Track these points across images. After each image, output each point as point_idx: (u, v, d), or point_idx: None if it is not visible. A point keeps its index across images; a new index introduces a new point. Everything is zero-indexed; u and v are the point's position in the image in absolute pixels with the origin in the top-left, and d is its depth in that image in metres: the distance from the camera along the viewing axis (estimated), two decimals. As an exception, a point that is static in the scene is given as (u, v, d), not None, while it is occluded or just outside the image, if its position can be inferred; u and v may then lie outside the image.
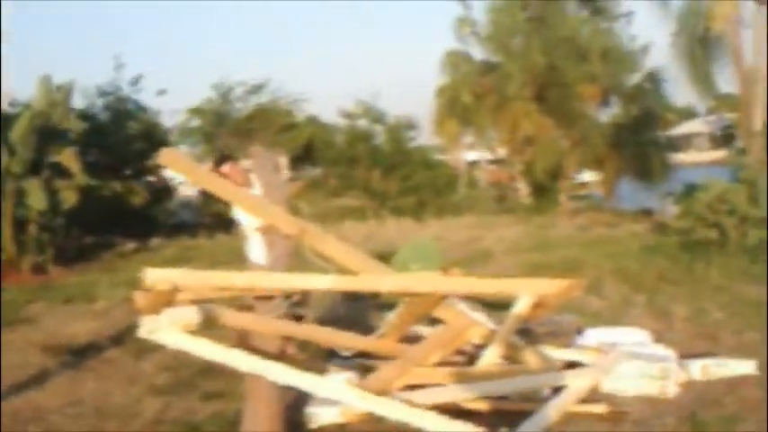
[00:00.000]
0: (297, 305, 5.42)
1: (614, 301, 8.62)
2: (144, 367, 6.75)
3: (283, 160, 6.81)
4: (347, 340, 5.72)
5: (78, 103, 18.35)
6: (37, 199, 13.36)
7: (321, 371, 5.51)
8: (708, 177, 13.08)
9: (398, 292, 5.41)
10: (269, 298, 5.07)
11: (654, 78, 23.68)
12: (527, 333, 6.06)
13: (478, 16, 24.55)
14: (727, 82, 19.47)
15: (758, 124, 16.80)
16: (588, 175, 27.06)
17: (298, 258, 5.30)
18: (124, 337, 7.72)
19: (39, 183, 13.66)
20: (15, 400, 5.92)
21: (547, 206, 22.52)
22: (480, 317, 6.05)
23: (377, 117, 24.74)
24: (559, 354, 5.92)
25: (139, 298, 4.42)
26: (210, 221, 19.50)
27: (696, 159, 37.49)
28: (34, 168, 14.17)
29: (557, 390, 5.11)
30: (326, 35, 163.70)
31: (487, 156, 31.58)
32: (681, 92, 39.90)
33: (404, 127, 24.99)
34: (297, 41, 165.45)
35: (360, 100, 24.54)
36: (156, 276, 4.29)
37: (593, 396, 5.15)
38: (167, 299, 4.31)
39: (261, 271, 5.63)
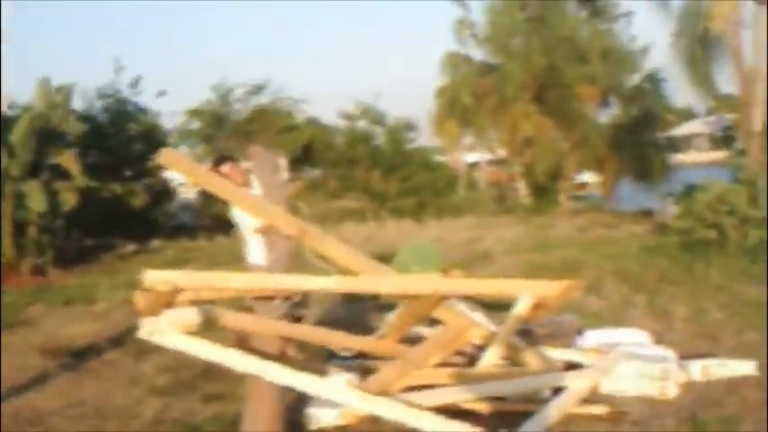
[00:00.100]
0: (296, 306, 5.41)
1: (614, 301, 8.62)
2: (144, 369, 6.75)
3: (283, 161, 6.77)
4: (347, 341, 5.72)
5: (78, 105, 18.37)
6: (37, 201, 13.35)
7: (321, 372, 5.51)
8: (707, 178, 13.09)
9: (398, 294, 5.40)
10: (269, 299, 5.07)
11: (653, 79, 23.70)
12: (527, 334, 6.06)
13: (477, 18, 24.60)
14: (727, 82, 19.51)
15: (758, 125, 16.80)
16: (588, 176, 27.08)
17: (298, 259, 5.30)
18: (124, 338, 7.71)
19: (38, 185, 13.66)
20: (15, 402, 5.92)
21: (546, 207, 22.53)
22: (480, 318, 6.05)
23: (376, 118, 24.75)
24: (559, 355, 5.92)
25: (139, 299, 4.41)
26: (210, 223, 19.51)
27: (696, 160, 37.48)
28: (34, 170, 14.17)
29: (557, 391, 5.11)
30: (326, 36, 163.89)
31: (487, 157, 31.58)
32: (680, 92, 39.94)
33: (403, 128, 25.01)
34: (296, 42, 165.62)
35: (359, 101, 24.59)
36: (156, 277, 4.28)
37: (593, 397, 5.15)
38: (167, 300, 4.30)
39: (260, 272, 5.62)
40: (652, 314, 7.87)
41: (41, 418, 5.57)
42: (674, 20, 19.60)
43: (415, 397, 4.77)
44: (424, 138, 26.94)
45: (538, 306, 5.37)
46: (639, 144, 23.01)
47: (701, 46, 19.07)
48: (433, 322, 6.01)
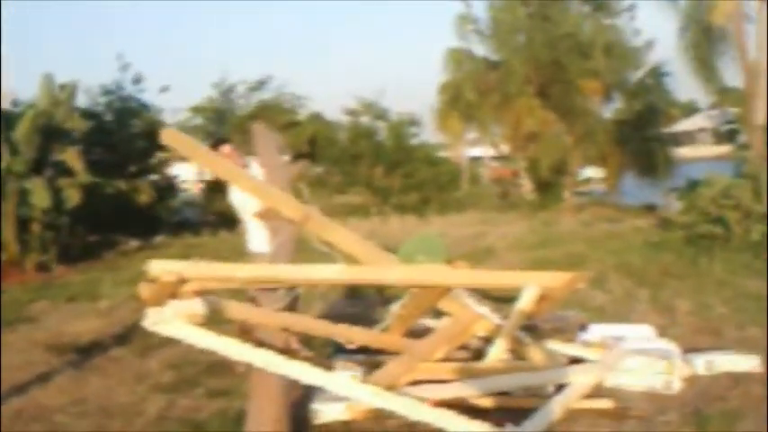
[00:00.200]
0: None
1: (618, 295, 8.61)
2: (148, 365, 6.75)
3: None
4: (352, 333, 5.68)
5: (81, 102, 18.37)
6: (40, 198, 13.36)
7: (326, 366, 5.50)
8: (711, 172, 13.06)
9: (404, 284, 5.38)
10: (272, 289, 5.02)
11: (657, 74, 23.67)
12: (532, 329, 6.05)
13: (480, 14, 24.59)
14: (731, 76, 19.51)
15: (761, 118, 16.78)
16: (592, 171, 27.06)
17: (302, 245, 5.25)
18: (128, 335, 7.73)
19: (42, 182, 13.67)
20: (18, 399, 5.92)
21: (550, 202, 22.53)
22: (486, 310, 6.02)
23: (379, 114, 24.73)
24: (563, 349, 5.91)
25: (144, 289, 4.40)
26: (214, 219, 19.51)
27: (700, 154, 37.41)
28: (37, 167, 14.19)
29: (561, 386, 5.10)
30: (328, 33, 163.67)
31: (490, 152, 31.55)
32: (684, 87, 39.95)
33: (406, 124, 25.00)
34: (298, 39, 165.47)
35: (362, 97, 24.58)
36: (161, 268, 4.28)
37: (597, 392, 5.14)
38: (172, 290, 4.30)
39: (261, 260, 5.57)
40: (656, 309, 7.86)
41: (45, 415, 5.57)
42: (679, 15, 19.62)
43: (420, 391, 4.78)
44: (428, 134, 26.98)
45: (543, 299, 5.34)
46: (643, 139, 22.98)
47: (706, 40, 19.07)
48: (438, 314, 6.01)
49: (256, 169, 5.72)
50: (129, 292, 9.48)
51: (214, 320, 4.48)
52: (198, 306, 4.31)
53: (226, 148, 6.36)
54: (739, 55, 18.10)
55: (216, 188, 19.14)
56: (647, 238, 12.88)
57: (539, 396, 5.07)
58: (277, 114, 23.83)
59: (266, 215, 5.28)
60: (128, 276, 10.65)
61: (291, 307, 5.32)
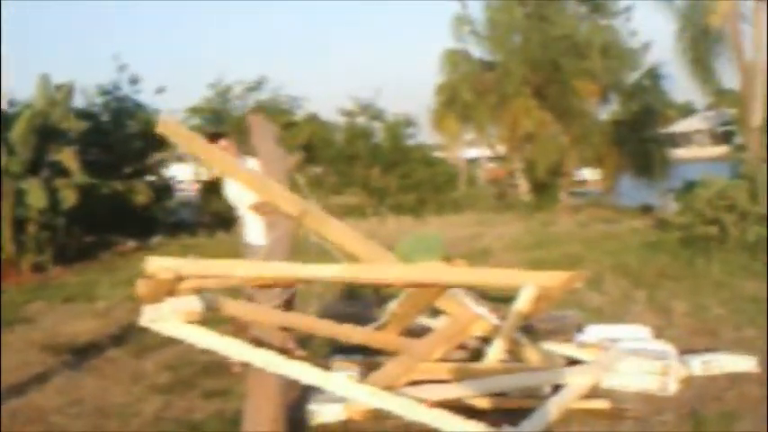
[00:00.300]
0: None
1: (615, 296, 8.62)
2: (145, 366, 6.74)
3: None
4: (349, 332, 5.65)
5: (78, 102, 18.33)
6: (37, 198, 13.34)
7: (324, 367, 5.49)
8: (708, 174, 13.08)
9: (402, 283, 5.36)
10: (269, 286, 4.99)
11: (653, 75, 23.72)
12: (529, 329, 6.05)
13: (477, 14, 24.61)
14: (729, 78, 19.55)
15: (757, 120, 16.81)
16: (588, 172, 27.09)
17: (299, 240, 5.22)
18: (125, 336, 7.72)
19: (38, 182, 13.64)
20: (15, 400, 5.91)
21: (547, 203, 22.55)
22: (484, 310, 6.01)
23: (375, 114, 24.73)
24: (560, 350, 5.92)
25: (141, 285, 4.38)
26: (210, 220, 19.49)
27: (696, 155, 37.48)
28: (34, 168, 14.16)
29: (557, 386, 5.10)
30: (327, 33, 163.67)
31: (487, 153, 31.57)
32: (680, 88, 40.03)
33: (403, 124, 25.00)
34: (298, 39, 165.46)
35: (358, 98, 24.58)
36: (158, 265, 4.26)
37: (593, 392, 5.14)
38: (169, 288, 4.29)
39: (257, 252, 5.54)
40: (652, 310, 7.87)
41: (41, 416, 5.56)
42: (676, 15, 19.65)
43: (416, 392, 4.77)
44: (424, 134, 26.98)
45: (540, 298, 5.34)
46: (640, 140, 23.04)
47: (702, 41, 19.10)
48: (436, 312, 6.00)
49: (253, 167, 5.70)
50: (126, 293, 9.50)
51: (211, 319, 4.47)
52: (195, 303, 4.29)
53: (222, 143, 6.36)
54: (736, 56, 18.13)
55: (212, 189, 19.11)
56: (644, 240, 12.90)
57: (535, 397, 5.07)
58: (274, 115, 23.78)
59: (262, 208, 5.26)
60: (124, 277, 10.64)
61: (288, 304, 5.31)
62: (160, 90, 20.32)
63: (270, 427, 4.47)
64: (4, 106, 15.57)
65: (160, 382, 6.29)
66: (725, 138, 34.63)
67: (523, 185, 24.97)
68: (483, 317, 5.78)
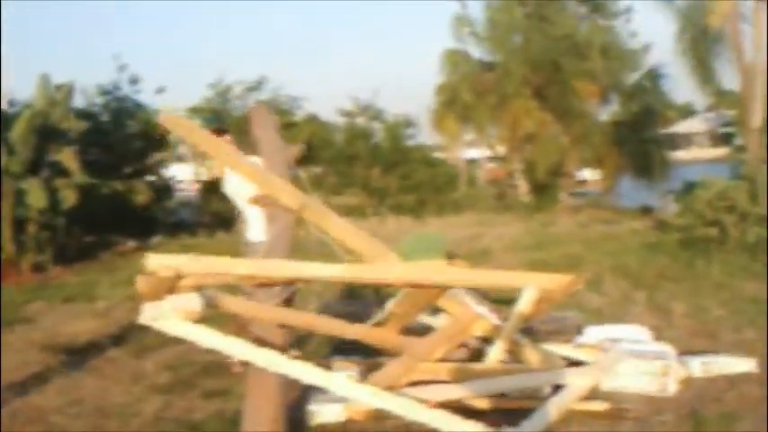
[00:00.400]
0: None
1: (614, 298, 8.62)
2: (144, 366, 6.74)
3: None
4: (349, 329, 5.62)
5: (78, 102, 18.32)
6: (37, 198, 13.33)
7: (324, 367, 5.48)
8: (708, 175, 13.09)
9: (404, 283, 5.34)
10: (269, 285, 4.97)
11: (653, 76, 23.72)
12: (529, 330, 6.05)
13: (477, 14, 24.61)
14: (729, 79, 19.55)
15: (757, 121, 16.81)
16: (588, 173, 27.09)
17: (300, 238, 5.18)
18: (125, 336, 7.72)
19: (38, 182, 13.64)
20: (15, 400, 5.91)
21: (547, 204, 22.55)
22: (485, 310, 6.00)
23: (375, 115, 24.72)
24: (560, 351, 5.91)
25: (142, 282, 4.35)
26: (210, 220, 19.49)
27: (696, 157, 37.51)
28: (34, 168, 14.15)
29: (557, 387, 5.10)
30: (328, 33, 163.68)
31: (487, 154, 31.57)
32: (680, 89, 40.05)
33: (403, 125, 25.00)
34: (298, 39, 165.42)
35: (357, 98, 24.58)
36: (159, 262, 4.25)
37: (593, 394, 5.14)
38: (169, 285, 4.27)
39: (258, 252, 5.52)
40: (652, 311, 7.87)
41: (42, 416, 5.56)
42: (676, 16, 19.65)
43: (416, 392, 4.77)
44: (424, 135, 26.98)
45: (541, 300, 5.34)
46: (640, 141, 23.05)
47: (703, 42, 19.10)
48: (436, 311, 5.99)
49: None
50: (126, 293, 9.50)
51: (211, 318, 4.47)
52: (195, 301, 4.28)
53: (225, 138, 6.37)
54: (736, 57, 18.12)
55: (212, 189, 19.09)
56: (644, 241, 12.90)
57: (535, 398, 5.07)
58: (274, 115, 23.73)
59: (262, 201, 5.24)
60: (124, 277, 10.63)
61: (288, 303, 5.30)
62: (160, 90, 20.31)
63: (269, 428, 4.46)
64: (4, 106, 15.57)
65: (160, 382, 6.29)
66: (725, 139, 34.67)
67: (523, 186, 24.97)
68: (484, 316, 5.78)
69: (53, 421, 5.46)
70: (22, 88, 22.92)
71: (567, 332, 6.43)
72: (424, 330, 5.88)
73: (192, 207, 23.20)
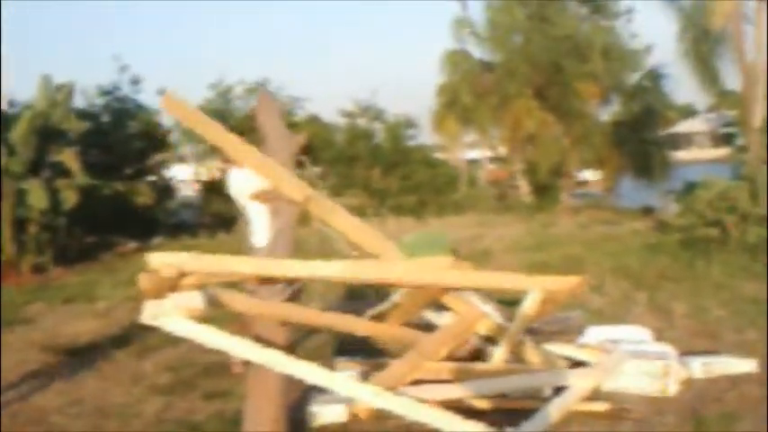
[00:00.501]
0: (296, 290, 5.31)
1: (615, 298, 8.62)
2: (145, 367, 6.74)
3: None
4: (353, 324, 5.57)
5: (79, 103, 18.33)
6: (37, 199, 13.34)
7: (327, 367, 5.46)
8: (708, 175, 13.08)
9: (407, 283, 5.30)
10: (272, 283, 4.94)
11: (654, 76, 23.71)
12: (533, 331, 6.04)
13: (476, 16, 24.61)
14: (730, 79, 19.55)
15: (758, 121, 16.79)
16: (589, 174, 27.07)
17: (303, 230, 5.14)
18: (125, 336, 7.71)
19: (39, 182, 13.65)
20: (15, 401, 5.91)
21: (547, 204, 22.53)
22: (489, 309, 5.97)
23: (376, 115, 24.72)
24: (562, 351, 5.91)
25: (144, 280, 4.31)
26: (211, 221, 19.50)
27: (697, 157, 37.49)
28: (35, 168, 14.17)
29: (559, 388, 5.10)
30: (328, 33, 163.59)
31: (488, 154, 31.56)
32: (681, 89, 40.04)
33: (403, 126, 25.00)
34: (298, 39, 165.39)
35: (358, 99, 24.58)
36: (161, 260, 4.23)
37: (594, 394, 5.14)
38: (172, 283, 4.26)
39: (263, 250, 5.47)
40: (653, 311, 7.87)
41: (42, 417, 5.57)
42: (678, 16, 19.65)
43: (418, 392, 4.75)
44: (425, 135, 26.97)
45: (545, 302, 5.33)
46: (640, 141, 23.03)
47: (704, 42, 19.10)
48: (440, 307, 5.97)
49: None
50: (127, 294, 9.51)
51: (214, 317, 4.46)
52: (197, 299, 4.26)
53: None
54: (737, 57, 18.11)
55: (213, 189, 19.10)
56: (645, 241, 12.89)
57: (537, 398, 5.07)
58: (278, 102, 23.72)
59: (264, 197, 5.20)
60: (125, 278, 10.64)
61: (294, 301, 5.28)
62: (161, 91, 20.30)
63: (270, 428, 4.46)
64: (5, 107, 15.58)
65: (161, 382, 6.28)
66: (726, 139, 34.63)
67: (524, 187, 24.95)
68: (488, 315, 5.77)
69: (53, 422, 5.46)
70: (22, 89, 22.96)
71: (571, 332, 6.43)
72: (427, 327, 5.86)
73: (194, 208, 23.22)
